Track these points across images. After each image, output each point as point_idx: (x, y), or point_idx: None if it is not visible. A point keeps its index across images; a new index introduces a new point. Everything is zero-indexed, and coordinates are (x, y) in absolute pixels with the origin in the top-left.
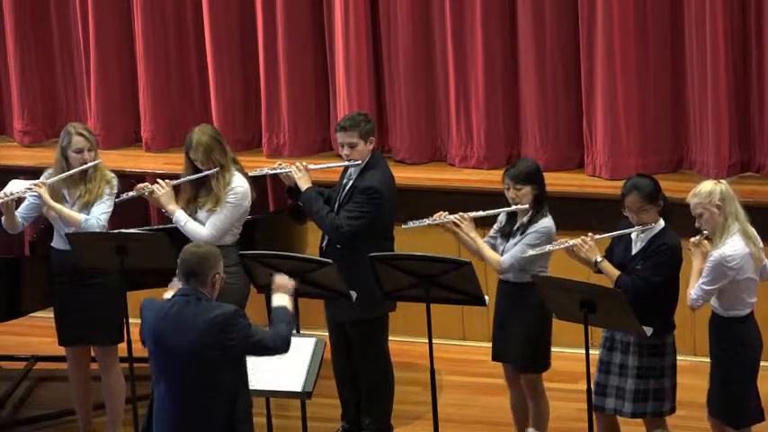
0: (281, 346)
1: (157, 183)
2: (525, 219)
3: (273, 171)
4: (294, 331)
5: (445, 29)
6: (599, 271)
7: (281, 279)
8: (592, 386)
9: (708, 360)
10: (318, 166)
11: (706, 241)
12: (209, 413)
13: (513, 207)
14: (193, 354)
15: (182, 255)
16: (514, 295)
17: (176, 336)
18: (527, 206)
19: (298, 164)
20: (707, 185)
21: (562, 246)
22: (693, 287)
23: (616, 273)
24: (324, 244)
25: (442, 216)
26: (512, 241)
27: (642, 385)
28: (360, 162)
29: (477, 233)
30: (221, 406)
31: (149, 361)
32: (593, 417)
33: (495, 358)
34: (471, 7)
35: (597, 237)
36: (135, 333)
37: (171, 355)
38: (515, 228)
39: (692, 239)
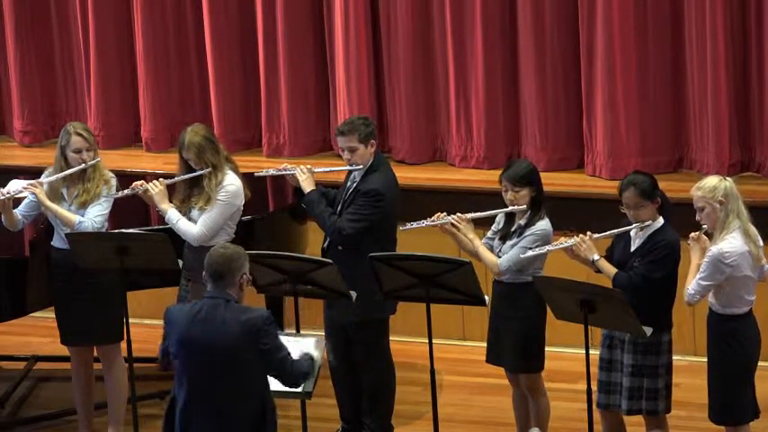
0: (289, 378)
1: (152, 182)
2: (522, 221)
3: (278, 172)
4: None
5: (445, 29)
6: (598, 270)
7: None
8: (592, 386)
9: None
10: (321, 170)
11: (705, 236)
12: (239, 411)
13: (511, 208)
14: (226, 355)
15: (208, 257)
16: (508, 295)
17: (207, 338)
18: (524, 207)
19: (302, 166)
20: (712, 180)
21: (560, 246)
22: (691, 282)
23: (613, 270)
24: (325, 245)
25: (441, 217)
26: (508, 243)
27: (636, 383)
28: (362, 166)
29: (475, 234)
30: (251, 403)
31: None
32: (599, 417)
33: (488, 361)
34: (471, 7)
35: (595, 236)
36: (135, 333)
37: (201, 358)
38: (512, 230)
39: (692, 234)
